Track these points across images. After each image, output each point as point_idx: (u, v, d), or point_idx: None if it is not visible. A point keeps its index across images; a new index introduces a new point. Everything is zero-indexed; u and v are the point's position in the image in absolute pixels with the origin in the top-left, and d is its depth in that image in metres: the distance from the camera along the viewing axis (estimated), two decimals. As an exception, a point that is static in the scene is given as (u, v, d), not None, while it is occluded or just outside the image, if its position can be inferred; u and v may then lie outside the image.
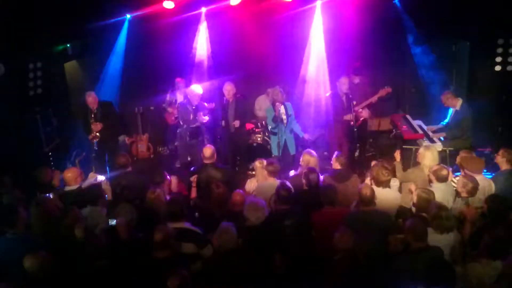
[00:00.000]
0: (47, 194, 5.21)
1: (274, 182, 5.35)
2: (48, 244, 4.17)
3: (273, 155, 7.11)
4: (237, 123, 7.50)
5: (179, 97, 8.29)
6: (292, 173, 6.01)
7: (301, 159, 5.90)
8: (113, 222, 4.46)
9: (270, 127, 7.22)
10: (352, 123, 7.20)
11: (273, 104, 7.01)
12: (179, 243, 4.23)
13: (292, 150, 7.14)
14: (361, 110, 7.38)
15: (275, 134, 7.11)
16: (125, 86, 8.68)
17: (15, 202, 4.74)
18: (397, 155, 5.95)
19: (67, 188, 5.44)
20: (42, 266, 3.61)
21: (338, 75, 7.68)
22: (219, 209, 4.92)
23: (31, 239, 4.23)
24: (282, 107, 6.98)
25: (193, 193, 5.67)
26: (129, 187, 5.09)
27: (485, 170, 5.53)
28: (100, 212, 4.83)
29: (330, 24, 8.30)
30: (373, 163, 5.50)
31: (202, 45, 8.75)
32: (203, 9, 8.53)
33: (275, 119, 6.94)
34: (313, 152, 5.91)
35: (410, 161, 6.62)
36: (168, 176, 5.60)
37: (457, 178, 5.20)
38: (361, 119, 7.39)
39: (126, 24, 8.47)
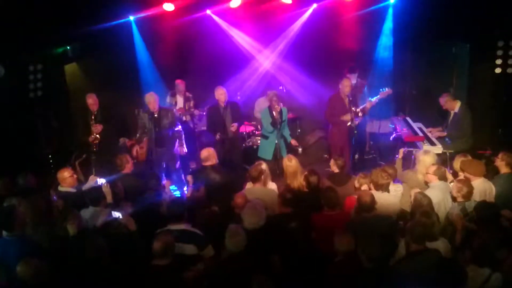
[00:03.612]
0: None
1: (258, 188, 5.37)
2: (44, 245, 4.18)
3: (265, 160, 7.05)
4: (234, 127, 7.46)
5: (179, 99, 8.28)
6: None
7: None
8: (116, 214, 4.47)
9: (266, 130, 7.13)
10: (349, 123, 7.18)
11: (271, 108, 6.98)
12: (180, 245, 4.24)
13: (284, 154, 7.10)
14: (358, 110, 7.38)
15: (266, 138, 7.08)
16: (126, 87, 8.70)
17: (14, 204, 4.73)
18: (401, 152, 6.03)
19: (61, 188, 5.47)
20: (36, 274, 3.58)
21: (336, 77, 7.69)
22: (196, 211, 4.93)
23: (28, 241, 4.22)
24: (279, 111, 6.96)
25: (189, 193, 5.68)
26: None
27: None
28: (102, 212, 4.81)
29: (329, 26, 8.31)
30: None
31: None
32: (208, 11, 8.54)
33: (274, 123, 6.92)
34: (292, 157, 5.79)
35: (410, 163, 6.61)
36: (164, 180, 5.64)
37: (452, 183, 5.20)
38: (360, 116, 7.36)
39: (134, 26, 8.52)
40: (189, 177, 5.78)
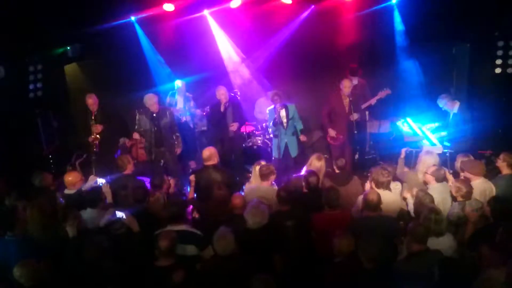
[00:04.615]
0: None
1: (264, 187, 5.39)
2: (46, 246, 4.17)
3: (273, 157, 7.12)
4: (234, 126, 7.46)
5: (179, 100, 8.29)
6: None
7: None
8: (119, 214, 4.47)
9: (270, 129, 7.20)
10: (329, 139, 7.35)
11: (274, 107, 7.01)
12: (181, 246, 4.24)
13: (293, 153, 7.11)
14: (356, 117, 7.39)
15: (276, 136, 7.11)
16: (126, 88, 8.69)
17: (14, 204, 4.74)
18: (403, 151, 6.03)
19: (67, 191, 5.47)
20: (32, 276, 3.57)
21: (336, 76, 7.69)
22: (219, 211, 4.92)
23: (29, 242, 4.23)
24: (283, 110, 6.97)
25: (191, 193, 5.67)
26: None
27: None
28: (100, 214, 4.82)
29: (329, 27, 8.30)
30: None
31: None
32: (206, 12, 8.54)
33: (275, 122, 6.94)
34: (322, 157, 5.86)
35: (411, 163, 6.61)
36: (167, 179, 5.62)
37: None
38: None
39: (137, 26, 8.50)
40: (192, 177, 5.77)
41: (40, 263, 3.68)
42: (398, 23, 8.24)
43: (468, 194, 4.69)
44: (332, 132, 7.33)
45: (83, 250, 3.91)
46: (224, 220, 4.59)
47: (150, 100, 6.98)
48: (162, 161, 7.30)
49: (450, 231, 4.41)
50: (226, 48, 8.91)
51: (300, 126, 7.24)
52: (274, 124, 6.96)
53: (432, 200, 4.60)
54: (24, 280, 3.56)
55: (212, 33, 8.74)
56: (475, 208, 4.55)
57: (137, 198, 4.99)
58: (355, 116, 7.17)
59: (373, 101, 7.67)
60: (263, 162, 5.76)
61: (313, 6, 8.37)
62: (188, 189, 5.96)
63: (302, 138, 7.22)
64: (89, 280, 3.79)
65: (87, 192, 5.15)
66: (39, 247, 4.16)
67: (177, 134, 7.31)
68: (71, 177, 5.51)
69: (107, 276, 3.81)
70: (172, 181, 5.74)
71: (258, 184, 5.57)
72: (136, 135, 7.17)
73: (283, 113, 6.96)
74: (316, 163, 5.74)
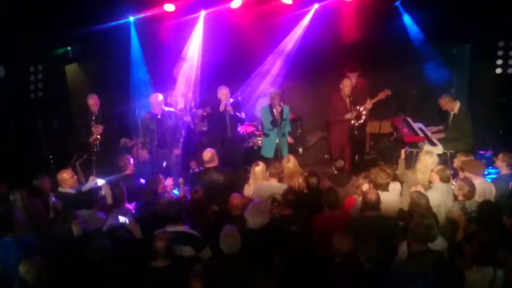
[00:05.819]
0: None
1: (275, 184, 5.37)
2: (46, 246, 4.18)
3: (267, 158, 7.08)
4: (223, 106, 7.34)
5: (180, 100, 8.29)
6: None
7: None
8: (122, 219, 4.46)
9: (266, 128, 7.18)
10: (352, 122, 7.20)
11: (271, 106, 6.99)
12: (177, 247, 4.24)
13: (285, 153, 7.12)
14: (362, 108, 7.34)
15: (267, 136, 7.13)
16: (127, 88, 8.69)
17: (13, 205, 4.74)
18: (403, 152, 6.03)
19: (61, 190, 5.49)
20: (38, 272, 3.60)
21: (337, 76, 7.69)
22: (198, 213, 4.97)
23: (29, 242, 4.23)
24: (280, 110, 6.97)
25: (181, 193, 5.78)
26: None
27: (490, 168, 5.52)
28: (95, 215, 4.82)
29: (330, 27, 8.30)
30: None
31: (195, 48, 8.75)
32: (203, 12, 8.53)
33: (274, 122, 6.94)
34: (291, 158, 5.89)
35: (411, 163, 6.61)
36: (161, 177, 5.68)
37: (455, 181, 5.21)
38: (363, 117, 7.33)
39: (132, 27, 8.42)
40: (181, 180, 5.92)
41: (44, 261, 3.70)
42: (400, 23, 8.22)
43: (470, 194, 4.70)
44: (349, 115, 7.17)
45: (84, 250, 3.92)
46: (223, 220, 4.60)
47: (155, 99, 7.01)
48: (164, 162, 7.31)
49: (448, 230, 4.41)
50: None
51: (288, 128, 7.27)
52: (273, 123, 6.96)
53: (428, 201, 4.60)
54: (29, 277, 3.59)
55: (203, 34, 8.69)
56: (472, 211, 4.56)
57: (147, 201, 5.03)
58: (354, 113, 7.17)
59: (371, 103, 7.63)
60: (260, 163, 5.76)
61: (314, 6, 8.36)
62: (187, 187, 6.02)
63: (290, 140, 7.23)
64: (90, 280, 3.79)
65: (83, 193, 5.16)
66: (37, 248, 4.17)
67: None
68: (65, 174, 5.53)
69: (108, 276, 3.82)
70: (169, 180, 5.79)
71: (268, 182, 5.55)
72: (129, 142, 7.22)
73: (279, 113, 6.97)
74: (286, 164, 5.76)
